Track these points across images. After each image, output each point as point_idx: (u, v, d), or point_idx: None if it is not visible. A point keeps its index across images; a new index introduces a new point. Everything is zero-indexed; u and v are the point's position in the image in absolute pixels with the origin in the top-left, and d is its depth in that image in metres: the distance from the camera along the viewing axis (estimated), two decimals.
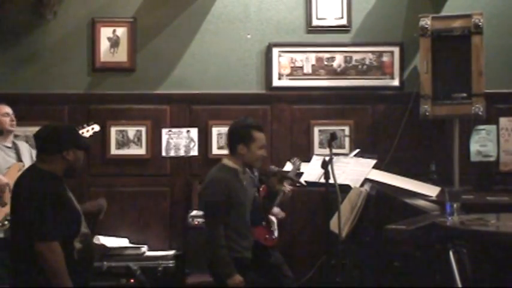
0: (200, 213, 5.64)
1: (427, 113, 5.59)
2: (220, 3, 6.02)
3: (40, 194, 3.48)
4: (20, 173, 5.09)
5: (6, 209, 5.08)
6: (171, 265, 5.54)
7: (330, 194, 4.45)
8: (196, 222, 5.59)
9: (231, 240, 4.05)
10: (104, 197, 5.70)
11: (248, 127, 4.19)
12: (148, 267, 5.49)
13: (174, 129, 5.98)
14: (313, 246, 5.74)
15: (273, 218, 5.34)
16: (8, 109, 5.31)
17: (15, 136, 5.43)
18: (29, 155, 5.33)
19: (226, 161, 4.20)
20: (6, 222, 5.06)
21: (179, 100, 6.00)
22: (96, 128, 5.54)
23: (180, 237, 5.88)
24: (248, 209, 4.23)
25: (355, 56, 6.02)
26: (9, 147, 5.29)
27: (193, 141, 5.97)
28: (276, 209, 5.26)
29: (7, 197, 5.10)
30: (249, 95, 6.01)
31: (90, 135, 5.44)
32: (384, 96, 6.02)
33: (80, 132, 5.32)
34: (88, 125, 5.49)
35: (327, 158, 4.44)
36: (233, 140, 4.18)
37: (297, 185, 4.97)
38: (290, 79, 6.01)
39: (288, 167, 5.47)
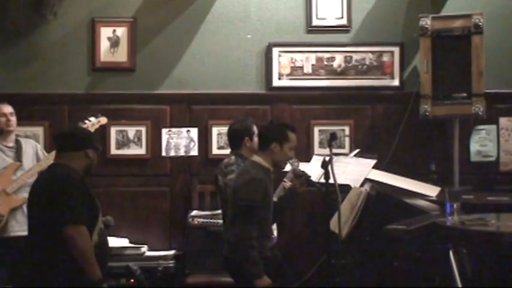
0: (201, 212, 5.66)
1: (427, 113, 5.59)
2: (220, 3, 6.02)
3: (68, 181, 3.64)
4: (16, 173, 5.16)
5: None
6: (171, 265, 5.54)
7: (330, 194, 4.45)
8: (196, 222, 5.59)
9: (257, 241, 4.06)
10: (100, 195, 5.70)
11: (284, 127, 4.26)
12: (148, 267, 5.48)
13: (174, 129, 5.98)
14: (313, 246, 5.74)
15: None
16: (5, 109, 5.28)
17: (17, 136, 5.41)
18: (33, 152, 5.33)
19: (258, 159, 4.20)
20: None
21: (179, 100, 6.00)
22: (103, 120, 5.53)
23: (180, 237, 5.87)
24: (272, 209, 4.24)
25: (355, 56, 6.02)
26: (9, 147, 5.28)
27: (193, 141, 5.97)
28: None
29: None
30: (249, 95, 6.01)
31: (96, 129, 5.44)
32: (384, 96, 6.02)
33: (86, 126, 5.35)
34: (96, 118, 5.48)
35: (327, 158, 4.44)
36: (267, 137, 4.20)
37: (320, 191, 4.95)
38: (290, 79, 6.01)
39: (289, 167, 5.48)
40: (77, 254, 3.51)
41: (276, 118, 5.91)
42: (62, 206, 3.55)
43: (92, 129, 5.35)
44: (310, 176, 4.48)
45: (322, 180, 4.51)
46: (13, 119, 5.30)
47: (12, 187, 5.13)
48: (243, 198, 4.06)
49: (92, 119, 5.46)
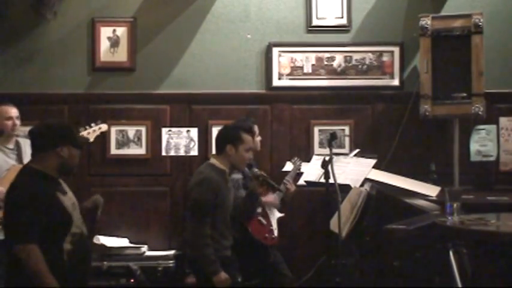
0: None
1: (427, 113, 5.59)
2: (220, 3, 6.03)
3: (21, 195, 3.43)
4: None
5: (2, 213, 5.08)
6: (171, 265, 5.54)
7: (330, 194, 4.45)
8: None
9: (213, 240, 4.15)
10: (100, 195, 5.68)
11: (238, 129, 4.35)
12: (148, 267, 5.49)
13: (174, 129, 5.98)
14: (313, 246, 5.75)
15: (273, 217, 5.34)
16: (12, 112, 5.22)
17: (16, 135, 5.39)
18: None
19: (214, 161, 4.30)
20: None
21: (179, 100, 6.00)
22: (104, 127, 5.47)
23: (180, 237, 5.87)
24: (229, 210, 4.32)
25: (355, 56, 6.02)
26: (10, 149, 5.25)
27: (193, 141, 5.97)
28: (271, 197, 5.22)
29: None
30: (249, 95, 6.01)
31: (97, 135, 5.41)
32: (384, 96, 6.02)
33: (86, 132, 5.30)
34: (96, 124, 5.43)
35: (327, 158, 4.45)
36: (222, 140, 4.30)
37: (279, 190, 5.02)
38: (290, 79, 6.01)
39: (289, 166, 5.48)
40: (28, 272, 3.37)
41: (276, 118, 5.93)
42: (12, 224, 3.40)
43: (93, 137, 5.32)
44: (267, 177, 4.62)
45: (322, 180, 4.52)
46: (18, 122, 5.25)
47: None
48: (194, 198, 4.18)
49: (93, 125, 5.41)
